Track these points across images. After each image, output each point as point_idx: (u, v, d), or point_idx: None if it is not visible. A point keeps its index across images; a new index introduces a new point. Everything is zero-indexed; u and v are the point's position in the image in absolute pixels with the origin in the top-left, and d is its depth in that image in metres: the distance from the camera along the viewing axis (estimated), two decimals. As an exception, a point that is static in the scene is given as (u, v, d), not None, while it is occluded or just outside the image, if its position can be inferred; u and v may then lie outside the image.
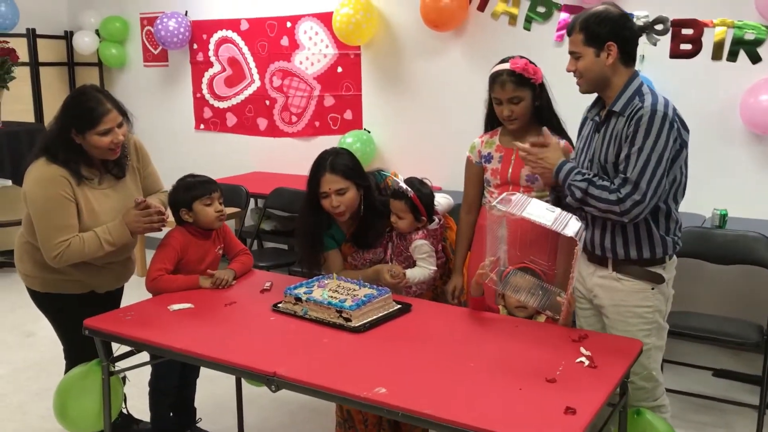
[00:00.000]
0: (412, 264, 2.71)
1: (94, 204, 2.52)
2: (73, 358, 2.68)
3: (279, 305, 2.45)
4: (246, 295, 2.61)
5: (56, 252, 2.43)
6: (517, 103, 2.57)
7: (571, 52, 2.29)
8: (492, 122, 2.77)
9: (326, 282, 2.53)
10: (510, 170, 2.67)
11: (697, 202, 3.73)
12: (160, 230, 2.67)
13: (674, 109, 2.22)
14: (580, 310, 2.55)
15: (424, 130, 4.83)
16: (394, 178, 2.74)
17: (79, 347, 2.56)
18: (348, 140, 4.91)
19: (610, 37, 2.22)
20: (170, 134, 5.98)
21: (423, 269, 2.68)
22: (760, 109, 3.68)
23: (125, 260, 2.74)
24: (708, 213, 3.70)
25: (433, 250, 2.71)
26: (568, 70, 2.33)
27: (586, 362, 1.99)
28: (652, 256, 2.30)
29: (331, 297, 2.37)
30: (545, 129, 2.48)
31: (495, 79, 2.60)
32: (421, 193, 2.67)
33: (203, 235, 2.76)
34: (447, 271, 2.86)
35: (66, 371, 2.70)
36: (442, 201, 2.87)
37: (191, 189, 2.75)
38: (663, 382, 2.44)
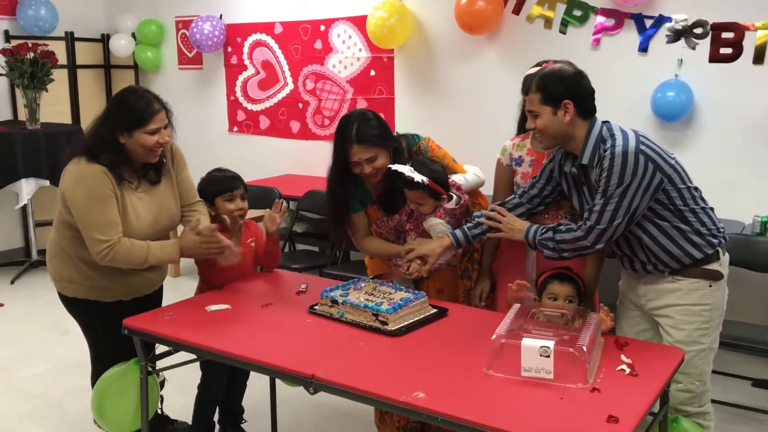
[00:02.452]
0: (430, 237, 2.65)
1: (128, 206, 2.51)
2: (98, 364, 2.68)
3: (315, 307, 2.46)
4: (282, 297, 2.63)
5: (102, 248, 2.41)
6: None
7: (529, 111, 2.34)
8: (524, 125, 2.75)
9: (362, 285, 2.53)
10: None
11: (738, 209, 3.68)
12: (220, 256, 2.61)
13: (645, 141, 2.24)
14: (624, 319, 2.54)
15: (458, 134, 4.79)
16: (403, 170, 2.57)
17: (104, 354, 2.59)
18: (380, 143, 4.90)
19: (565, 95, 2.26)
20: (204, 136, 6.03)
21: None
22: (802, 115, 3.60)
23: (156, 268, 2.68)
24: (748, 220, 3.63)
25: (450, 228, 2.63)
26: (528, 128, 2.39)
27: (627, 370, 1.97)
28: (704, 255, 2.30)
29: (368, 300, 2.37)
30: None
31: (527, 82, 2.60)
32: (433, 176, 2.57)
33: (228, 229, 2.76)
34: (471, 267, 2.82)
35: (92, 376, 2.72)
36: (470, 178, 2.80)
37: (214, 184, 2.77)
38: (710, 388, 2.41)
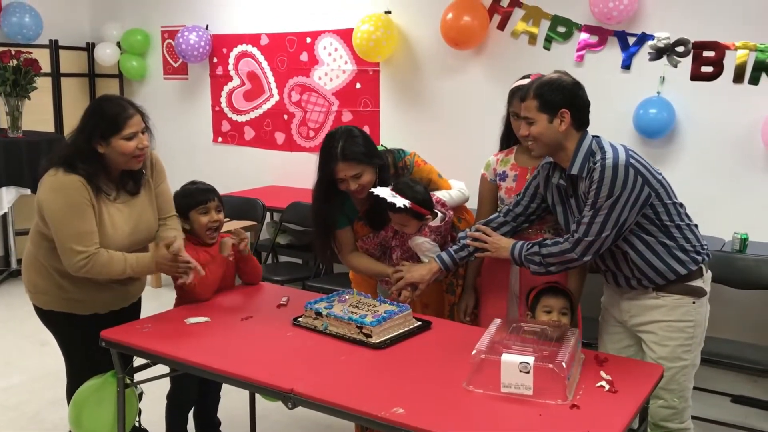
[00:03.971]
0: (416, 256, 2.66)
1: (105, 217, 2.48)
2: (73, 377, 2.64)
3: (299, 319, 2.45)
4: (262, 310, 2.61)
5: (78, 259, 2.38)
6: None
7: (524, 117, 2.34)
8: (508, 140, 2.78)
9: (347, 297, 2.53)
10: None
11: (718, 226, 3.70)
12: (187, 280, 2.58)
13: (634, 156, 2.26)
14: (607, 335, 2.55)
15: (442, 148, 4.79)
16: (384, 195, 2.54)
17: (80, 367, 2.55)
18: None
19: (563, 104, 2.27)
20: (188, 147, 6.02)
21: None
22: (782, 133, 3.65)
23: (133, 280, 2.65)
24: (728, 236, 3.66)
25: (436, 246, 2.63)
26: (522, 135, 2.38)
27: (607, 386, 1.97)
28: (688, 271, 2.31)
29: (352, 312, 2.36)
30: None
31: (515, 93, 2.62)
32: (416, 197, 2.54)
33: (205, 242, 2.75)
34: (456, 282, 2.83)
35: (67, 388, 2.67)
36: (455, 195, 2.80)
37: (187, 197, 2.75)
38: (692, 405, 2.42)
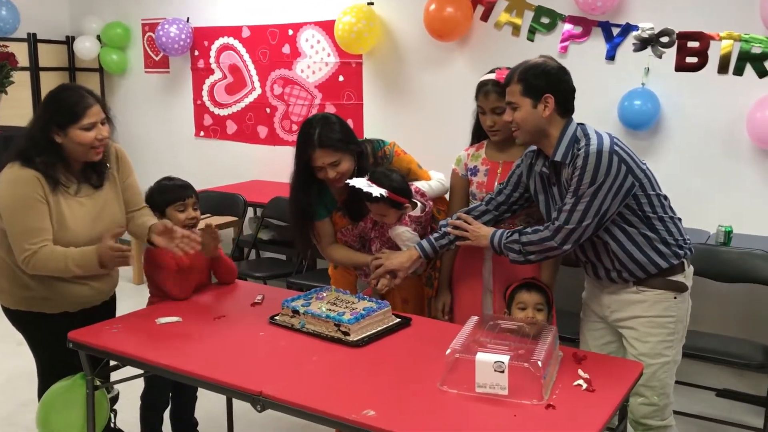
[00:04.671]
0: (396, 248, 2.61)
1: (65, 212, 2.40)
2: (44, 378, 2.57)
3: (276, 318, 2.39)
4: (236, 309, 2.55)
5: (24, 255, 2.31)
6: (500, 113, 2.51)
7: (508, 102, 2.29)
8: (479, 134, 2.75)
9: (324, 294, 2.47)
10: (496, 184, 2.61)
11: (702, 218, 3.67)
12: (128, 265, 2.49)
13: (619, 144, 2.21)
14: (588, 331, 2.51)
15: (426, 140, 4.74)
16: (360, 185, 2.49)
17: (51, 368, 2.49)
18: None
19: (547, 89, 2.22)
20: (170, 141, 5.95)
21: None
22: (766, 124, 3.60)
23: (103, 276, 2.56)
24: (713, 229, 3.62)
25: (417, 236, 2.59)
26: (505, 121, 2.33)
27: (584, 385, 1.92)
28: (670, 265, 2.27)
29: (330, 310, 2.31)
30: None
31: (480, 88, 2.61)
32: (393, 186, 2.50)
33: None
34: (434, 275, 2.78)
35: (38, 390, 2.60)
36: (434, 185, 2.76)
37: (164, 193, 2.68)
38: (673, 401, 2.38)
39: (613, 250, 2.27)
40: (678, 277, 2.30)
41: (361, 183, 2.48)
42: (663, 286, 2.29)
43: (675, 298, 2.30)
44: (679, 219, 2.33)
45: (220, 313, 2.48)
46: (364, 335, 2.23)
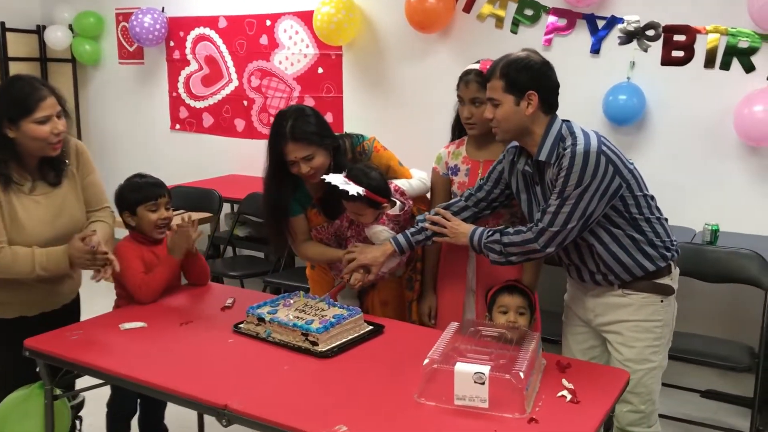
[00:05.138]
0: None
1: (19, 211, 2.28)
2: (2, 387, 2.41)
3: (240, 326, 2.27)
4: (205, 314, 2.43)
5: None
6: (479, 105, 2.42)
7: (489, 99, 2.18)
8: (459, 129, 2.65)
9: (292, 301, 2.35)
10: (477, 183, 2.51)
11: (688, 216, 3.60)
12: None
13: (606, 143, 2.11)
14: (571, 335, 2.42)
15: (407, 134, 4.64)
16: (336, 182, 2.39)
17: (9, 376, 2.35)
18: (327, 144, 4.73)
19: (531, 85, 2.11)
20: (145, 134, 5.80)
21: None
22: (753, 121, 3.53)
23: (63, 278, 2.45)
24: (699, 227, 3.55)
25: (394, 235, 2.48)
26: (486, 117, 2.21)
27: (569, 396, 1.83)
28: (656, 267, 2.19)
29: (297, 318, 2.19)
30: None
31: (462, 77, 2.52)
32: (371, 184, 2.40)
33: (152, 240, 2.57)
34: (414, 276, 2.68)
35: None
36: (415, 184, 2.65)
37: (136, 191, 2.56)
38: (659, 408, 2.30)
39: (599, 252, 2.18)
40: (665, 280, 2.23)
41: (338, 180, 2.37)
42: (649, 289, 2.21)
43: (662, 301, 2.22)
44: (666, 220, 2.25)
45: (187, 318, 2.35)
46: (333, 345, 2.11)
